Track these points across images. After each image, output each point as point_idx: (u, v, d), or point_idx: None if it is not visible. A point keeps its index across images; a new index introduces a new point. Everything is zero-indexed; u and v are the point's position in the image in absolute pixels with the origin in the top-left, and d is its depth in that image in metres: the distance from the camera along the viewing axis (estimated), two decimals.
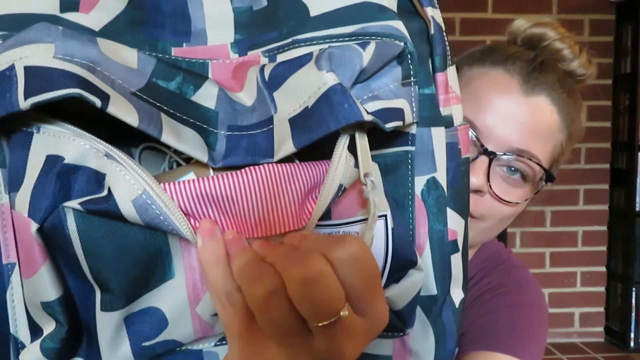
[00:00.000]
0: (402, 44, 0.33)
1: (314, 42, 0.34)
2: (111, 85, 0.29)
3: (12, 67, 0.27)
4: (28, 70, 0.27)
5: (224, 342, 0.35)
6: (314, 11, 0.34)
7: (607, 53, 2.63)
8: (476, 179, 0.57)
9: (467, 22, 2.55)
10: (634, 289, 2.60)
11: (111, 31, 0.32)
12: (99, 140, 0.29)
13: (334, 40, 0.33)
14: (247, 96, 0.33)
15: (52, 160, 0.28)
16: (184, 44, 0.34)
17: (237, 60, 0.34)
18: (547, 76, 0.61)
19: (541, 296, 0.69)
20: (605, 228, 2.71)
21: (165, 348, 0.33)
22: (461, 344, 0.64)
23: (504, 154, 0.59)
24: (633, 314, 2.61)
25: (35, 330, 0.31)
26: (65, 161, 0.28)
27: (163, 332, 0.32)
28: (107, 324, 0.31)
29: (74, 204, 0.28)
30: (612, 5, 2.60)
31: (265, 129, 0.31)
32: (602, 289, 2.73)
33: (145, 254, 0.30)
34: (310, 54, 0.32)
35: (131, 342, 0.32)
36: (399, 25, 0.34)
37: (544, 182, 0.63)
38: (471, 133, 0.57)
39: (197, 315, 0.32)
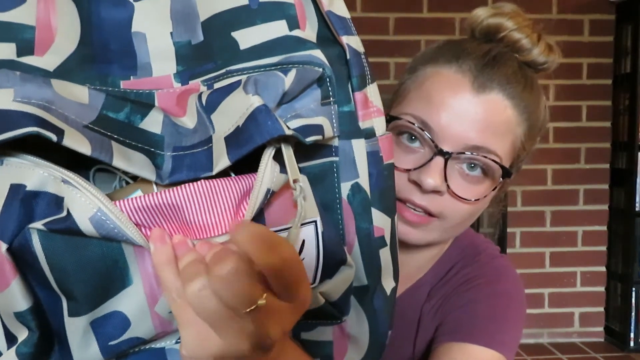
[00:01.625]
0: (320, 69, 0.38)
1: (244, 72, 0.39)
2: (65, 121, 0.33)
3: None
4: None
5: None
6: (243, 45, 0.39)
7: (607, 53, 2.63)
8: (432, 179, 0.58)
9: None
10: (634, 289, 2.60)
11: (64, 70, 0.36)
12: (56, 167, 0.33)
13: (261, 69, 0.38)
14: (189, 120, 0.37)
15: (15, 188, 0.33)
16: (131, 77, 0.38)
17: (180, 89, 0.39)
18: (500, 71, 0.60)
19: (518, 285, 0.69)
20: (605, 228, 2.71)
21: (130, 345, 0.37)
22: (437, 335, 0.65)
23: (460, 153, 0.59)
24: (633, 314, 2.61)
25: (10, 339, 0.35)
26: (27, 188, 0.33)
27: (127, 332, 0.36)
28: (76, 328, 0.35)
29: (38, 224, 0.32)
30: (612, 5, 2.60)
31: (205, 147, 0.36)
32: (602, 289, 2.73)
33: (104, 264, 0.34)
34: (239, 81, 0.37)
35: (99, 342, 0.36)
36: (318, 53, 0.39)
37: (502, 179, 0.62)
38: (425, 134, 0.59)
39: (156, 314, 0.36)
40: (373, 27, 2.48)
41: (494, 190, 0.62)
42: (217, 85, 0.39)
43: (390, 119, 0.61)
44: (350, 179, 0.42)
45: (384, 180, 0.43)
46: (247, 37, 0.39)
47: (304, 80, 0.38)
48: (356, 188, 0.42)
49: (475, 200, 0.61)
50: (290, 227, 0.36)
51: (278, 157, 0.36)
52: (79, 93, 0.35)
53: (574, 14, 2.59)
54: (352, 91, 0.42)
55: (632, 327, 2.61)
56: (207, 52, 0.40)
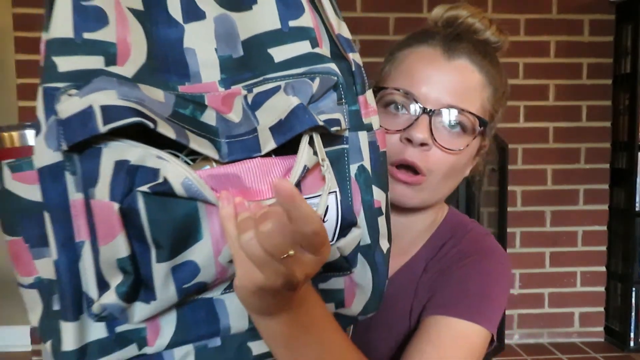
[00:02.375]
0: (335, 78, 0.51)
1: (279, 79, 0.50)
2: (154, 114, 0.43)
3: (90, 107, 0.41)
4: (103, 108, 0.41)
5: (227, 290, 0.51)
6: (277, 59, 0.51)
7: (607, 53, 2.63)
8: (420, 133, 0.67)
9: None
10: (634, 289, 2.61)
11: (139, 77, 0.46)
12: (150, 147, 0.44)
13: (293, 77, 0.51)
14: (235, 115, 0.49)
15: (120, 163, 0.43)
16: (186, 83, 0.49)
17: (224, 92, 0.50)
18: (463, 44, 0.71)
19: (507, 264, 0.76)
20: (605, 228, 2.71)
21: (197, 288, 0.48)
22: (427, 306, 0.71)
23: (442, 109, 0.69)
24: (633, 314, 2.61)
25: (102, 286, 0.46)
26: (131, 162, 0.43)
27: (196, 277, 0.47)
28: (160, 272, 0.45)
29: (144, 188, 0.42)
30: (612, 5, 2.60)
31: (252, 135, 0.48)
32: (602, 289, 2.73)
33: (185, 221, 0.44)
34: (278, 86, 0.49)
35: (175, 284, 0.46)
36: (333, 66, 0.51)
37: (481, 128, 0.71)
38: (411, 98, 0.70)
39: (219, 263, 0.47)
40: (373, 27, 2.48)
41: (474, 139, 0.71)
42: (256, 90, 0.50)
43: (378, 90, 0.72)
44: (357, 161, 0.53)
45: (380, 164, 0.56)
46: (280, 53, 0.51)
47: (324, 86, 0.50)
48: (361, 168, 0.54)
49: (458, 150, 0.69)
50: (320, 195, 0.48)
51: (310, 143, 0.48)
52: (156, 94, 0.46)
53: (574, 14, 2.59)
54: (357, 95, 0.54)
55: (632, 327, 2.61)
56: (246, 64, 0.51)
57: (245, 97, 0.49)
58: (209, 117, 0.48)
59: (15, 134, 0.48)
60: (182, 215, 0.44)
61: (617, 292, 2.70)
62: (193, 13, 0.50)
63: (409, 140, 0.68)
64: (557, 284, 2.70)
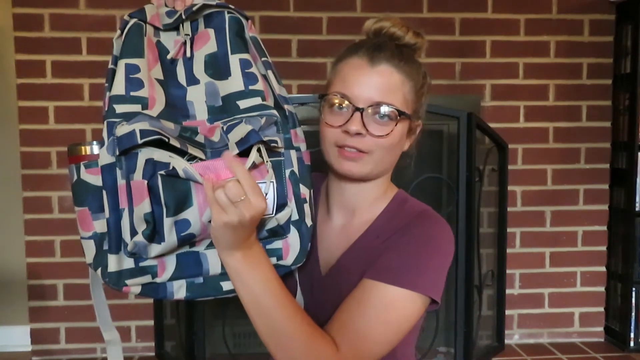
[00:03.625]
0: (275, 117, 0.84)
1: (243, 118, 0.82)
2: (168, 134, 0.75)
3: (133, 130, 0.74)
4: (140, 130, 0.74)
5: (208, 247, 0.82)
6: (242, 107, 0.84)
7: (607, 53, 2.63)
8: (354, 126, 0.88)
9: (467, 22, 2.56)
10: (634, 289, 2.61)
11: (160, 116, 0.80)
12: (165, 151, 0.75)
13: (250, 116, 0.83)
14: (215, 138, 0.80)
15: (148, 160, 0.74)
16: (187, 120, 0.83)
17: (209, 126, 0.83)
18: (384, 52, 0.90)
19: (444, 227, 0.92)
20: (605, 228, 2.71)
21: (189, 238, 0.77)
22: (366, 269, 0.87)
23: (369, 107, 0.89)
24: (633, 314, 2.61)
25: (132, 233, 0.76)
26: (155, 159, 0.74)
27: (189, 229, 0.76)
28: (168, 223, 0.74)
29: (162, 172, 0.73)
30: (612, 5, 2.60)
31: (225, 146, 0.79)
32: (602, 289, 2.73)
33: (183, 193, 0.74)
34: (241, 120, 0.81)
35: (177, 233, 0.76)
36: (274, 111, 0.85)
37: (402, 116, 0.91)
38: (345, 100, 0.90)
39: (202, 222, 0.76)
40: None
41: (396, 125, 0.90)
42: (229, 124, 0.82)
43: (321, 96, 0.94)
44: (289, 167, 0.85)
45: (305, 171, 0.87)
46: (243, 103, 0.85)
47: (268, 121, 0.82)
48: (292, 172, 0.85)
49: (386, 135, 0.89)
50: (265, 182, 0.78)
51: (259, 152, 0.79)
52: (169, 125, 0.78)
53: (574, 14, 2.59)
54: (289, 129, 0.86)
55: (632, 327, 2.61)
56: (223, 110, 0.85)
57: (222, 128, 0.81)
58: (199, 138, 0.80)
59: (87, 147, 0.79)
60: (182, 189, 0.74)
61: (617, 292, 2.70)
62: (192, 80, 0.86)
63: (348, 132, 0.89)
64: (557, 284, 2.70)
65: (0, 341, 2.57)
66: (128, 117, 0.78)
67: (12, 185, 2.51)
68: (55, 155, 2.45)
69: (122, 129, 0.75)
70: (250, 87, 0.85)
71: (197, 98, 0.85)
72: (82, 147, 0.79)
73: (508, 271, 2.57)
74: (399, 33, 0.94)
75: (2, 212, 2.59)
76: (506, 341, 2.55)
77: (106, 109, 0.80)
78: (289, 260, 0.86)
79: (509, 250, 2.57)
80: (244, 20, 0.88)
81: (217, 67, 0.86)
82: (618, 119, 2.66)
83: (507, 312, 2.57)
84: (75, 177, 0.79)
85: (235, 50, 0.87)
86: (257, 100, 0.85)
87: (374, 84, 0.89)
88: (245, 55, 0.87)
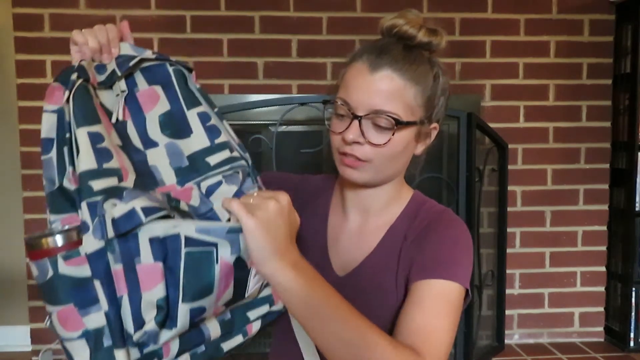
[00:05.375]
0: (247, 169, 0.82)
1: (217, 174, 0.79)
2: (164, 207, 0.69)
3: (134, 208, 0.65)
4: (143, 208, 0.65)
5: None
6: (212, 163, 0.80)
7: (607, 53, 2.63)
8: (351, 135, 0.86)
9: (467, 22, 2.56)
10: (634, 289, 2.61)
11: (136, 186, 0.71)
12: (165, 220, 0.68)
13: (224, 172, 0.80)
14: (194, 202, 0.76)
15: (154, 239, 0.66)
16: (158, 187, 0.75)
17: (181, 189, 0.77)
18: (386, 55, 0.87)
19: (465, 229, 0.92)
20: (605, 228, 2.71)
21: (199, 319, 0.73)
22: (410, 276, 0.87)
23: (366, 115, 0.86)
24: (633, 314, 2.61)
25: (137, 321, 0.67)
26: (160, 237, 0.67)
27: (202, 314, 0.72)
28: (183, 309, 0.69)
29: (189, 249, 0.68)
30: (612, 5, 2.60)
31: (210, 211, 0.76)
32: (602, 289, 2.73)
33: (207, 282, 0.70)
34: (220, 181, 0.79)
35: (190, 317, 0.70)
36: (244, 162, 0.82)
37: (400, 125, 0.87)
38: (344, 107, 0.88)
39: (217, 306, 0.74)
40: (373, 27, 2.47)
41: (393, 134, 0.87)
42: (203, 184, 0.78)
43: (325, 102, 0.95)
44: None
45: None
46: (213, 159, 0.80)
47: (244, 174, 0.81)
48: None
49: (384, 144, 0.86)
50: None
51: None
52: (158, 196, 0.71)
53: (574, 14, 2.59)
54: (256, 176, 0.84)
55: (632, 327, 2.61)
56: (192, 169, 0.78)
57: (199, 189, 0.78)
58: (183, 206, 0.74)
59: (49, 238, 0.66)
60: (206, 280, 0.68)
61: (617, 292, 2.70)
62: (149, 143, 0.78)
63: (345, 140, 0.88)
64: (557, 284, 2.70)
65: (0, 341, 2.57)
66: (109, 193, 0.67)
67: (12, 185, 2.51)
68: None
69: (117, 210, 0.65)
70: (216, 141, 0.80)
71: (159, 161, 0.77)
72: (44, 240, 0.66)
73: (508, 271, 2.57)
74: (410, 32, 0.89)
75: (2, 212, 2.58)
76: (506, 341, 2.55)
77: (77, 186, 0.67)
78: (280, 304, 0.82)
79: (509, 250, 2.57)
80: (186, 72, 0.83)
81: (175, 126, 0.79)
82: (618, 119, 2.66)
83: (507, 312, 2.57)
84: (51, 273, 0.66)
85: (190, 105, 0.81)
86: (225, 154, 0.80)
87: (374, 90, 0.86)
88: (201, 108, 0.82)
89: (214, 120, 0.82)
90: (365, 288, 0.90)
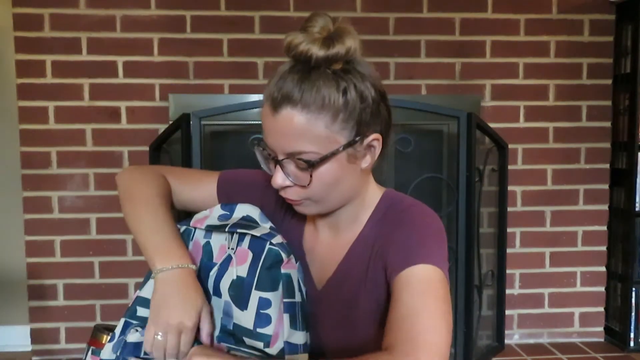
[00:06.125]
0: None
1: (245, 354, 0.86)
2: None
3: (142, 342, 0.84)
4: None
5: None
6: (247, 343, 0.86)
7: (607, 53, 2.63)
8: (279, 180, 0.83)
9: (467, 22, 2.56)
10: (634, 289, 2.60)
11: None
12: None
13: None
14: None
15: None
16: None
17: (216, 344, 0.88)
18: (284, 89, 0.79)
19: (432, 214, 0.87)
20: (605, 228, 2.71)
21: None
22: (388, 276, 0.82)
23: (283, 159, 0.81)
24: (633, 314, 2.61)
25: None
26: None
27: None
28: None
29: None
30: (612, 5, 2.60)
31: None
32: (602, 289, 2.73)
33: None
34: None
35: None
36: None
37: (325, 158, 0.80)
38: (265, 151, 0.85)
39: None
40: (373, 27, 2.48)
41: (312, 174, 0.81)
42: (232, 352, 0.86)
43: (258, 141, 0.87)
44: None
45: None
46: (248, 341, 0.85)
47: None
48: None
49: (307, 185, 0.82)
50: None
51: None
52: None
53: (574, 14, 2.59)
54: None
55: (632, 327, 2.61)
56: (233, 336, 0.86)
57: (228, 353, 0.85)
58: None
59: (108, 336, 0.85)
60: None
61: (617, 292, 2.70)
62: (217, 291, 0.87)
63: None
64: (557, 284, 2.70)
65: (0, 341, 2.57)
66: (144, 322, 0.82)
67: (12, 185, 2.51)
68: (55, 155, 2.45)
69: (133, 337, 0.81)
70: (259, 330, 0.83)
71: (215, 311, 0.87)
72: (104, 336, 0.86)
73: (508, 271, 2.57)
74: (304, 50, 0.79)
75: (2, 212, 2.58)
76: (506, 341, 2.55)
77: (130, 305, 0.87)
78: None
79: (509, 250, 2.57)
80: (283, 255, 0.85)
81: (239, 293, 0.85)
82: (618, 119, 2.66)
83: (507, 312, 2.57)
84: (84, 358, 0.88)
85: (260, 287, 0.84)
86: (259, 345, 0.83)
87: (280, 133, 0.80)
88: (267, 295, 0.84)
89: (272, 310, 0.84)
90: (340, 300, 0.88)
